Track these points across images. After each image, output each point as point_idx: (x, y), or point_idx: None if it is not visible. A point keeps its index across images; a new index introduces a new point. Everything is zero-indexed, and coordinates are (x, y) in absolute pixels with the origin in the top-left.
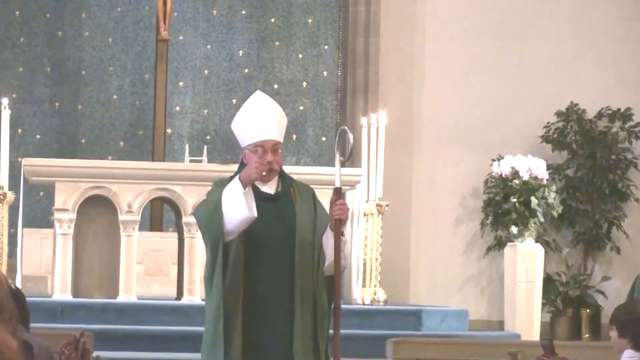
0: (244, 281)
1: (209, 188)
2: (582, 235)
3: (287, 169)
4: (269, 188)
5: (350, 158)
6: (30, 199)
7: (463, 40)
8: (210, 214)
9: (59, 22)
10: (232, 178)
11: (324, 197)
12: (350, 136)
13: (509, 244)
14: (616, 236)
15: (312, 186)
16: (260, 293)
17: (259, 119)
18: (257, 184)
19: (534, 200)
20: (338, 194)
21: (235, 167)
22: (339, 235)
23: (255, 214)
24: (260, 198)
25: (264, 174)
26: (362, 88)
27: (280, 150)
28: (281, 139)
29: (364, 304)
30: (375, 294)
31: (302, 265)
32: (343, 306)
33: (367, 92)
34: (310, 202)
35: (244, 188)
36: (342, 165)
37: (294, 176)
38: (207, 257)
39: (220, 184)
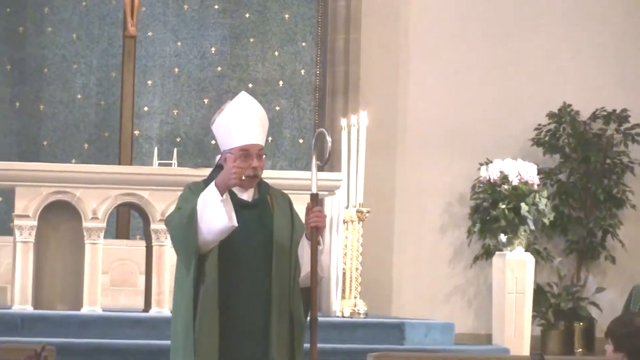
0: (218, 291)
1: (180, 193)
2: (575, 244)
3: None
4: (246, 195)
5: (328, 162)
6: None
7: (451, 37)
8: (185, 225)
9: (19, 17)
10: (205, 182)
11: (301, 203)
12: (328, 139)
13: (497, 253)
14: (611, 245)
15: (288, 192)
16: (235, 303)
17: (245, 122)
18: (235, 190)
19: (524, 207)
20: (314, 200)
21: (207, 171)
22: (315, 243)
23: (235, 222)
24: (238, 205)
25: (243, 178)
26: (342, 87)
27: (264, 156)
28: (264, 143)
29: (343, 317)
30: (355, 305)
31: (280, 276)
32: (321, 319)
33: (348, 92)
34: (287, 210)
35: (221, 195)
36: (320, 169)
37: (268, 181)
38: (179, 269)
39: (195, 187)
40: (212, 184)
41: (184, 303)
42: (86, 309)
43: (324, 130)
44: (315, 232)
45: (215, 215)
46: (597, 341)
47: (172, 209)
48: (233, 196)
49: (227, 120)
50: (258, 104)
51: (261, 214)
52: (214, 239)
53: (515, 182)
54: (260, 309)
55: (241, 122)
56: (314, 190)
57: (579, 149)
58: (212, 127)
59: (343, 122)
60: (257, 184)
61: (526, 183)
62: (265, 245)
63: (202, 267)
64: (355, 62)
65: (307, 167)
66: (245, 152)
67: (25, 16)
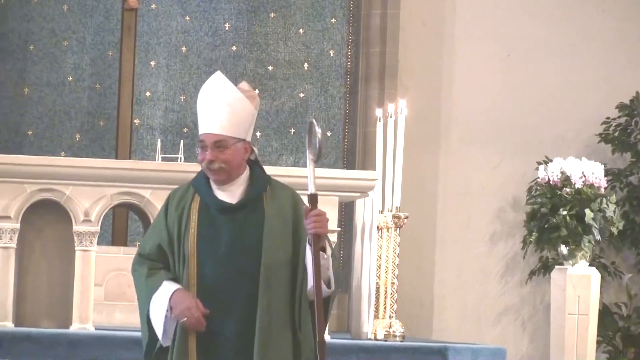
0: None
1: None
2: None
3: (271, 170)
4: (230, 195)
5: (320, 158)
6: None
7: (504, 13)
8: (138, 298)
9: None
10: (193, 182)
11: (331, 207)
12: (317, 130)
13: (556, 267)
14: None
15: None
16: (214, 330)
17: (206, 109)
18: (215, 190)
19: (588, 214)
20: (313, 202)
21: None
22: (317, 253)
23: (165, 344)
24: (217, 210)
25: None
26: (377, 72)
27: (229, 147)
28: (233, 133)
29: (376, 339)
30: (390, 326)
31: (269, 294)
32: (350, 342)
33: (384, 77)
34: (288, 209)
35: (170, 312)
36: (320, 165)
37: (287, 181)
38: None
39: (172, 198)
40: (171, 291)
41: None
42: (76, 327)
43: (313, 120)
44: (317, 239)
45: (157, 323)
46: None
47: None
48: (212, 198)
49: (198, 106)
50: (231, 86)
51: (247, 220)
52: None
53: (578, 185)
54: (245, 332)
55: (203, 108)
56: (312, 190)
57: None
58: None
59: (378, 112)
60: (250, 180)
61: (591, 186)
62: (252, 257)
63: (181, 282)
64: (393, 42)
65: (335, 164)
66: (202, 143)
67: None
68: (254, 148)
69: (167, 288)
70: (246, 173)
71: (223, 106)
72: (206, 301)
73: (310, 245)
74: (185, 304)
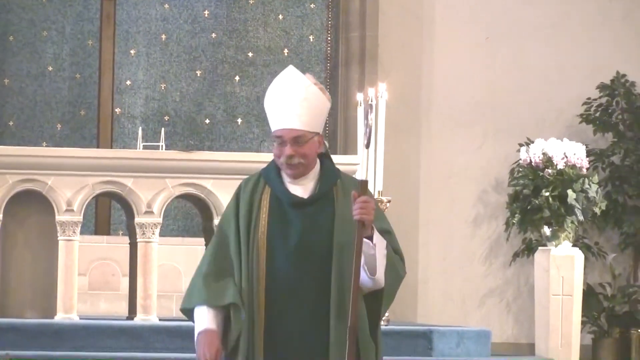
0: (265, 304)
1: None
2: (632, 238)
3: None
4: (302, 189)
5: (369, 145)
6: None
7: None
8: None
9: None
10: (263, 172)
11: None
12: (371, 117)
13: (540, 248)
14: None
15: None
16: (284, 320)
17: (280, 104)
18: (287, 184)
19: (571, 194)
20: (363, 188)
21: (200, 155)
22: (360, 239)
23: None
24: (290, 204)
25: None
26: (357, 56)
27: (307, 142)
28: (311, 127)
29: None
30: None
31: (341, 286)
32: None
33: (364, 62)
34: None
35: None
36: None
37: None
38: None
39: (244, 187)
40: (198, 330)
41: None
42: (60, 317)
43: (368, 108)
44: (361, 226)
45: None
46: None
47: (159, 199)
48: (285, 192)
49: (267, 102)
50: (306, 80)
51: (318, 213)
52: None
53: (560, 166)
54: (316, 326)
55: (277, 104)
56: (363, 176)
57: (636, 127)
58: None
59: (359, 96)
60: (321, 173)
61: (573, 166)
62: (324, 251)
63: (249, 276)
64: (372, 27)
65: None
66: (279, 139)
67: None
68: (325, 142)
69: (202, 321)
70: (317, 166)
71: (300, 100)
72: (275, 294)
73: (355, 231)
74: (202, 350)
